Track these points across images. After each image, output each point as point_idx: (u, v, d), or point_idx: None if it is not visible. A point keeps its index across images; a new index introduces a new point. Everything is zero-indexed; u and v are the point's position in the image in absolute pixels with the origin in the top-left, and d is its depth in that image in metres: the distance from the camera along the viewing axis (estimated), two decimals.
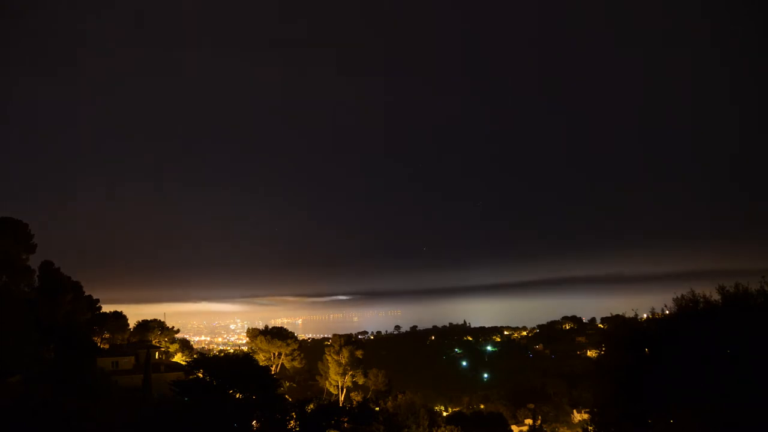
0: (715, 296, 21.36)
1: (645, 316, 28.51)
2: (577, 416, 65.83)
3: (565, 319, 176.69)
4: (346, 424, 34.53)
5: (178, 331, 72.83)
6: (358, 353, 64.31)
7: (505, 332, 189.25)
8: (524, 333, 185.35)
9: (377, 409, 48.10)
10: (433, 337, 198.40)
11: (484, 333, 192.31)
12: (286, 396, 43.79)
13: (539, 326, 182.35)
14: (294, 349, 66.72)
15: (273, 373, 50.41)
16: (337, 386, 64.65)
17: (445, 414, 67.51)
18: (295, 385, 69.71)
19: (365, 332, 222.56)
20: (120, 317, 62.12)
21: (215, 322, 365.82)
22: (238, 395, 31.13)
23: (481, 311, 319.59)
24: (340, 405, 46.81)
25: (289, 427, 32.14)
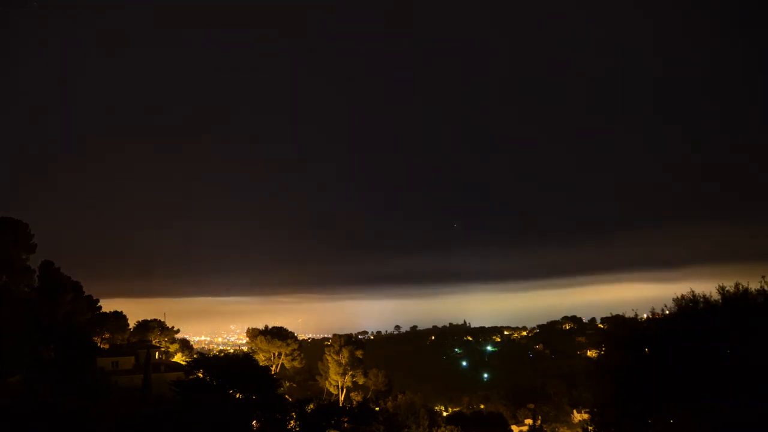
0: (715, 296, 21.35)
1: (645, 316, 28.49)
2: (577, 416, 65.80)
3: (565, 319, 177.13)
4: (346, 424, 34.56)
5: (178, 331, 72.83)
6: (358, 353, 64.34)
7: (505, 332, 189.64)
8: (524, 333, 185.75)
9: (377, 409, 48.12)
10: (433, 337, 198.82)
11: (484, 333, 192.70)
12: (286, 396, 43.87)
13: (539, 326, 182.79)
14: (294, 349, 66.74)
15: (273, 373, 50.41)
16: (337, 386, 64.67)
17: (445, 414, 67.64)
18: (295, 385, 69.77)
19: (365, 332, 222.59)
20: (120, 317, 62.12)
21: (215, 322, 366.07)
22: (238, 395, 31.20)
23: (482, 308, 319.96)
24: (340, 405, 46.85)
25: (289, 427, 32.18)
